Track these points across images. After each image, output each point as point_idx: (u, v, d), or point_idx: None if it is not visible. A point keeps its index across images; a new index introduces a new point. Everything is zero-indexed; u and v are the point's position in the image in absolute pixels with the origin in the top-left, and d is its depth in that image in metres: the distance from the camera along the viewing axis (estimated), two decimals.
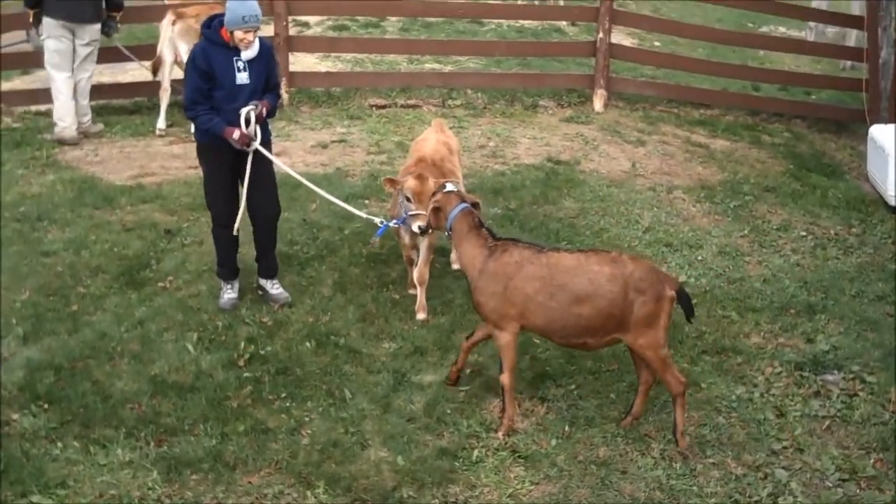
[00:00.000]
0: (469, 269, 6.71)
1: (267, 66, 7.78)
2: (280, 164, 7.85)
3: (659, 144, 12.72)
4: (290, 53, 13.26)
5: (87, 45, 11.50)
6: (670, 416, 6.89)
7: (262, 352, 7.44)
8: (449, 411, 6.88)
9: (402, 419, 6.78)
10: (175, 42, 11.69)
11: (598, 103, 13.94)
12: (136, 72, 13.37)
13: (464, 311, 8.08)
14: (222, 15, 7.52)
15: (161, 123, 11.95)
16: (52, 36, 11.23)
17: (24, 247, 8.86)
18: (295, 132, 12.10)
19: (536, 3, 19.93)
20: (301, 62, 14.57)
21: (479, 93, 14.21)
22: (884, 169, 11.23)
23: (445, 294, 8.46)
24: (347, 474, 6.23)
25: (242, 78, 7.59)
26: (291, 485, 6.13)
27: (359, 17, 17.91)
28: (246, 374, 7.15)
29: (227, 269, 8.14)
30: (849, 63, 18.35)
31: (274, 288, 8.22)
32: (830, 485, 6.39)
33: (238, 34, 7.42)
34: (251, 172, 7.72)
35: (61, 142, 11.39)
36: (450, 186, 7.01)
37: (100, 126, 12.05)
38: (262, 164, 7.82)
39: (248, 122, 7.57)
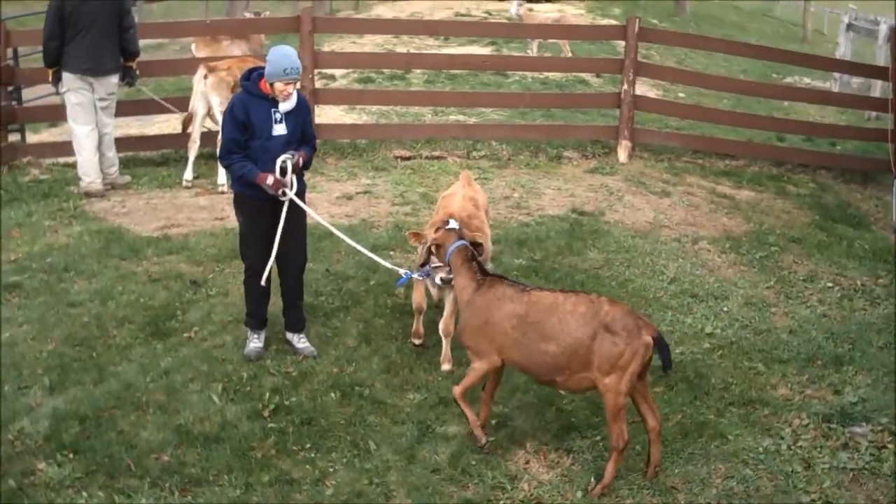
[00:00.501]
0: (460, 299, 7.02)
1: (304, 118, 7.87)
2: (313, 215, 7.89)
3: (684, 195, 12.71)
4: (316, 105, 13.36)
5: (107, 96, 11.60)
6: (697, 468, 6.86)
7: (286, 402, 7.43)
8: (474, 462, 6.85)
9: (427, 470, 6.75)
10: (207, 95, 11.78)
11: (622, 154, 13.96)
12: (163, 124, 13.50)
13: None
14: (261, 68, 7.61)
15: (188, 174, 12.04)
16: (72, 89, 11.34)
17: (51, 297, 8.91)
18: (320, 183, 12.16)
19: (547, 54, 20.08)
20: (327, 114, 14.68)
21: (503, 144, 14.26)
22: None
23: None
24: None
25: (279, 129, 7.67)
26: None
27: (384, 70, 18.07)
28: (270, 425, 7.15)
29: (257, 319, 8.16)
30: (874, 114, 18.30)
31: (300, 342, 8.23)
32: None
33: (279, 86, 7.50)
34: (286, 224, 7.76)
35: (88, 194, 11.48)
36: (452, 224, 7.24)
37: (127, 178, 12.14)
38: (296, 216, 7.86)
39: (284, 171, 7.63)
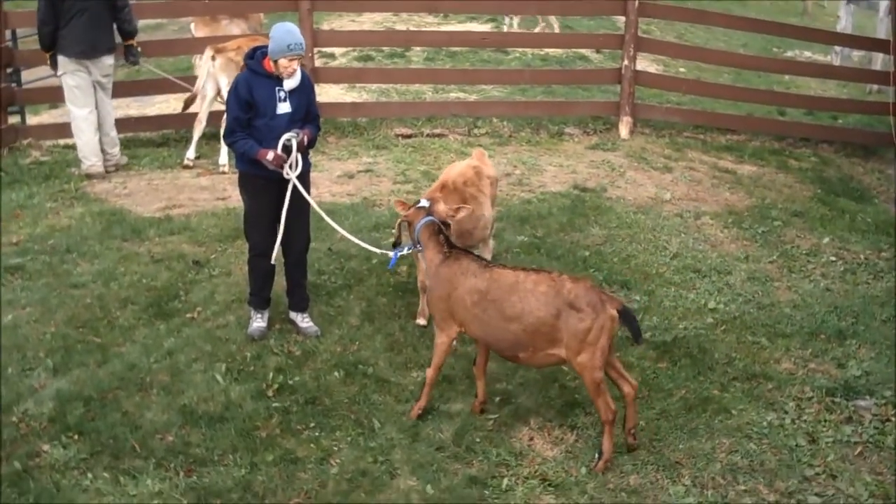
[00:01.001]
0: (428, 271, 7.09)
1: (308, 96, 7.85)
2: (307, 197, 7.87)
3: (686, 171, 12.68)
4: (316, 84, 13.30)
5: (103, 78, 11.57)
6: (701, 443, 6.87)
7: (290, 382, 7.44)
8: (478, 440, 6.86)
9: (431, 448, 6.76)
10: (216, 77, 11.74)
11: (623, 130, 13.93)
12: (163, 104, 13.47)
13: None
14: (265, 46, 7.59)
15: (191, 153, 12.02)
16: (69, 72, 11.31)
17: (54, 279, 8.91)
18: (321, 162, 12.13)
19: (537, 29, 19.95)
20: (327, 93, 14.64)
21: (504, 121, 14.23)
22: None
23: None
24: None
25: (284, 108, 7.66)
26: None
27: (384, 48, 18.01)
28: (275, 404, 7.16)
29: (260, 298, 8.16)
30: (875, 87, 18.27)
31: (304, 321, 8.23)
32: None
33: (283, 62, 7.48)
34: (290, 204, 7.75)
35: (89, 176, 11.46)
36: (423, 203, 7.29)
37: (125, 158, 12.12)
38: (301, 197, 7.84)
39: (288, 149, 7.60)
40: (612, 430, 6.59)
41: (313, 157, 11.76)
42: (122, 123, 12.38)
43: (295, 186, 7.71)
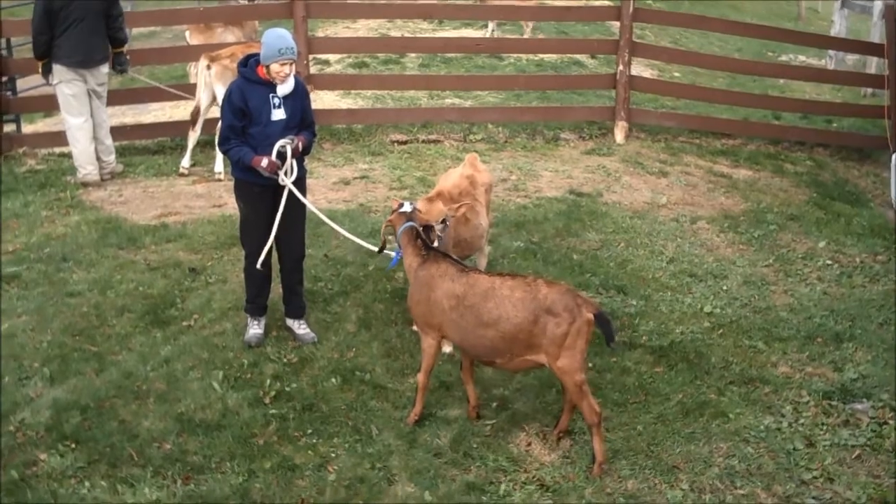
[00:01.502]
0: (408, 275, 7.15)
1: (302, 102, 7.84)
2: (306, 202, 7.88)
3: (681, 175, 12.70)
4: (311, 91, 13.29)
5: (99, 86, 11.56)
6: (698, 447, 6.88)
7: (287, 389, 7.44)
8: (475, 445, 6.86)
9: (429, 454, 6.76)
10: (213, 85, 11.71)
11: (619, 135, 13.96)
12: (158, 112, 13.46)
13: None
14: (258, 54, 7.58)
15: (186, 162, 12.00)
16: (65, 81, 11.26)
17: (50, 288, 8.90)
18: (317, 169, 12.13)
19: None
20: (322, 100, 14.63)
21: (499, 127, 14.23)
22: None
23: None
24: None
25: (278, 114, 7.65)
26: None
27: (379, 54, 17.99)
28: (272, 411, 7.16)
29: (257, 305, 8.15)
30: (870, 90, 18.27)
31: (301, 328, 8.23)
32: None
33: (275, 67, 7.48)
34: (285, 211, 7.74)
35: (85, 184, 11.45)
36: (406, 207, 7.30)
37: (121, 166, 12.11)
38: (296, 204, 7.84)
39: (283, 155, 7.59)
40: (600, 432, 6.59)
41: (309, 163, 11.77)
42: (117, 131, 12.37)
43: (290, 193, 7.70)
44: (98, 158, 11.59)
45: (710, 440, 7.00)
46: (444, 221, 7.47)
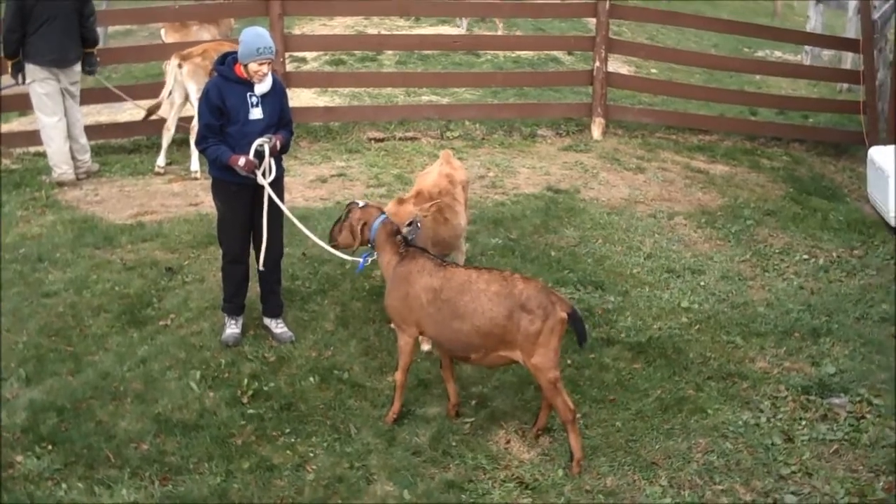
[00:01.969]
0: (385, 272, 7.08)
1: (280, 101, 7.80)
2: (282, 207, 7.79)
3: (658, 171, 12.72)
4: (287, 89, 13.25)
5: (72, 85, 11.49)
6: (677, 443, 6.89)
7: (265, 388, 7.41)
8: (454, 443, 6.85)
9: (408, 452, 6.74)
10: (185, 84, 11.67)
11: (596, 131, 13.98)
12: (134, 111, 13.39)
13: None
14: (236, 52, 7.54)
15: (161, 161, 11.95)
16: (38, 80, 11.18)
17: (25, 288, 8.84)
18: (294, 167, 12.10)
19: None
20: (298, 97, 14.60)
21: (477, 124, 14.24)
22: (884, 190, 11.23)
23: None
24: None
25: (256, 113, 7.60)
26: None
27: (355, 52, 17.97)
28: (250, 411, 7.12)
29: (234, 304, 8.11)
30: (846, 86, 18.38)
31: (278, 327, 8.20)
32: None
33: (252, 66, 7.44)
34: (263, 210, 7.70)
35: (60, 183, 11.38)
36: (361, 203, 7.25)
37: (97, 165, 12.04)
38: (275, 203, 7.80)
39: (260, 154, 7.55)
40: (575, 428, 6.58)
41: (286, 161, 11.76)
42: (92, 130, 12.31)
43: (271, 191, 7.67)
44: (73, 157, 11.53)
45: (688, 436, 7.01)
46: (411, 224, 7.42)
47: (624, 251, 10.11)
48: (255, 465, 6.55)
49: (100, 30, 14.05)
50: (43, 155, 11.96)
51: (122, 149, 13.07)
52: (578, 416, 7.13)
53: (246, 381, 7.46)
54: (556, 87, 16.30)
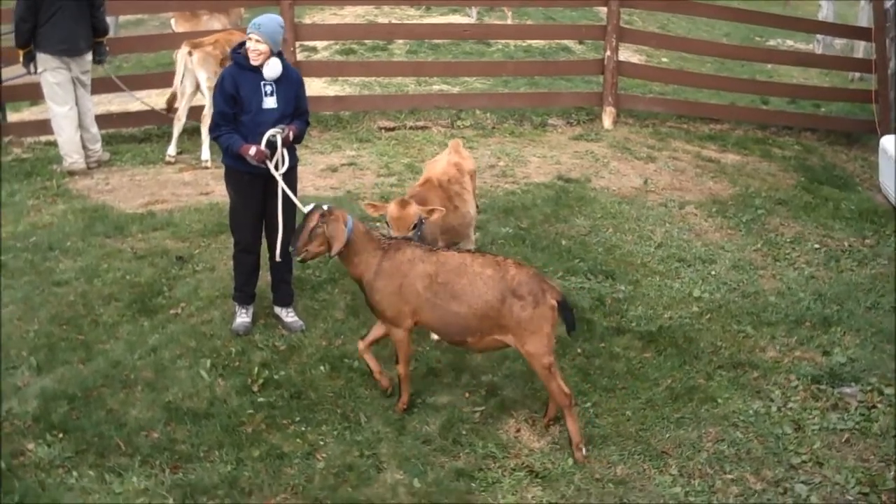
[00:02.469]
0: (365, 272, 6.89)
1: (296, 91, 7.76)
2: (290, 195, 7.75)
3: (669, 160, 12.69)
4: None
5: (83, 74, 11.50)
6: (687, 432, 6.88)
7: (275, 376, 7.41)
8: (464, 432, 6.85)
9: (418, 441, 6.75)
10: (195, 72, 11.67)
11: (607, 121, 13.95)
12: (145, 100, 13.38)
13: None
14: None
15: (171, 150, 11.96)
16: (50, 69, 11.19)
17: (36, 277, 8.85)
18: (305, 156, 12.08)
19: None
20: (309, 87, 14.48)
21: (487, 113, 14.22)
22: (895, 179, 11.18)
23: None
24: (363, 498, 6.20)
25: (269, 102, 7.57)
26: None
27: (366, 41, 17.96)
28: (260, 400, 7.13)
29: (245, 293, 8.12)
30: (857, 74, 18.31)
31: (289, 316, 8.20)
32: (851, 498, 6.33)
33: (249, 45, 7.44)
34: (276, 200, 7.65)
35: (71, 173, 11.40)
36: (324, 207, 6.96)
37: (107, 154, 12.06)
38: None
39: (272, 144, 7.52)
40: (572, 413, 6.59)
41: (298, 150, 11.76)
42: (103, 119, 12.32)
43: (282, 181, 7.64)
44: (84, 147, 11.54)
45: (699, 425, 7.00)
46: (415, 227, 7.34)
47: (635, 240, 10.09)
48: (266, 453, 6.56)
49: (111, 19, 14.06)
50: (54, 144, 11.97)
51: (132, 138, 13.08)
52: (588, 404, 7.16)
53: (256, 369, 7.46)
54: (567, 77, 16.28)
